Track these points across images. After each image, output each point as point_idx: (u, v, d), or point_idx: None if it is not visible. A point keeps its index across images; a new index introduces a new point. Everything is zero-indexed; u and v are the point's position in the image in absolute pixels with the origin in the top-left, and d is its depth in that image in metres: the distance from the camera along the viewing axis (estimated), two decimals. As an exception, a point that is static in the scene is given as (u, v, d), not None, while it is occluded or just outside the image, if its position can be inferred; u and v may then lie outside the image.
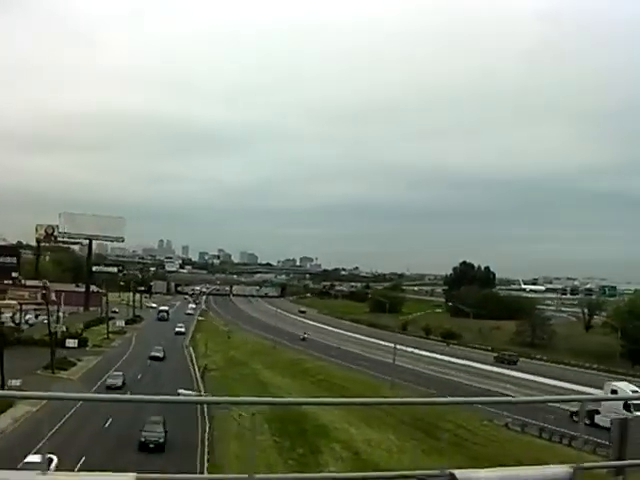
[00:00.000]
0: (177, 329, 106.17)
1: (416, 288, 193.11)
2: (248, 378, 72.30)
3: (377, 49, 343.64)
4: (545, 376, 74.39)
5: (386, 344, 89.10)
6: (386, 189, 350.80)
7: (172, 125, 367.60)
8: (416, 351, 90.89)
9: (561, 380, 70.61)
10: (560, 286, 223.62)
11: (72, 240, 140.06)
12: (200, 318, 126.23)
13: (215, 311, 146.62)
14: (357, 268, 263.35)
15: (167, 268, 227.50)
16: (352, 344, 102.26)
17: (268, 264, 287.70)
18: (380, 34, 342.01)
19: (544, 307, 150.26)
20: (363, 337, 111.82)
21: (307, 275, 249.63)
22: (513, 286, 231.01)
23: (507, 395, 58.81)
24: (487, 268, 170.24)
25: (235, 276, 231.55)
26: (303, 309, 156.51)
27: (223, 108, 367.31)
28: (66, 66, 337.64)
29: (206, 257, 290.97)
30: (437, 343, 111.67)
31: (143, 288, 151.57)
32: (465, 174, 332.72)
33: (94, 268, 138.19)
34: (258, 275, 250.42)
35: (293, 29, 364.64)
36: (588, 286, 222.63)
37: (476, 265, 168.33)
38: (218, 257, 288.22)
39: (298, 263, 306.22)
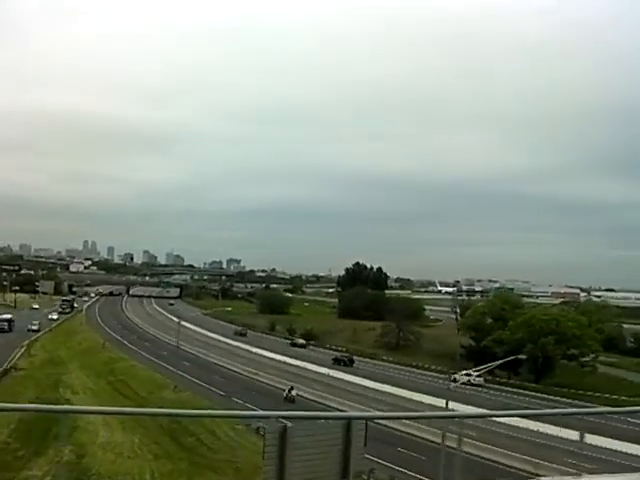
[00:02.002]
0: (30, 327, 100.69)
1: (313, 290, 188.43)
2: (49, 377, 69.58)
3: (306, 50, 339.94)
4: (366, 378, 73.82)
5: (237, 344, 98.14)
6: (311, 191, 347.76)
7: (96, 125, 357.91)
8: (259, 352, 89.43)
9: (372, 380, 71.69)
10: (479, 288, 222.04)
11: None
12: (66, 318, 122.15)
13: (92, 312, 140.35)
14: (274, 270, 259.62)
15: (71, 269, 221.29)
16: (201, 344, 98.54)
17: (190, 266, 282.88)
18: (310, 35, 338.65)
19: (440, 308, 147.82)
20: (220, 337, 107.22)
21: (223, 277, 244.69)
22: (429, 288, 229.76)
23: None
24: (379, 269, 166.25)
25: (147, 277, 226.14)
26: (173, 301, 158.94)
27: (149, 108, 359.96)
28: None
29: (117, 258, 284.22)
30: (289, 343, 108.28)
31: (17, 288, 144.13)
32: (392, 177, 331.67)
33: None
34: (175, 276, 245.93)
35: (218, 30, 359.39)
36: (497, 286, 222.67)
37: (369, 265, 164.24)
38: (131, 258, 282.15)
39: (225, 265, 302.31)
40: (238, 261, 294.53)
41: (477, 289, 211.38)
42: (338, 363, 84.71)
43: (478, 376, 70.71)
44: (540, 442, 50.29)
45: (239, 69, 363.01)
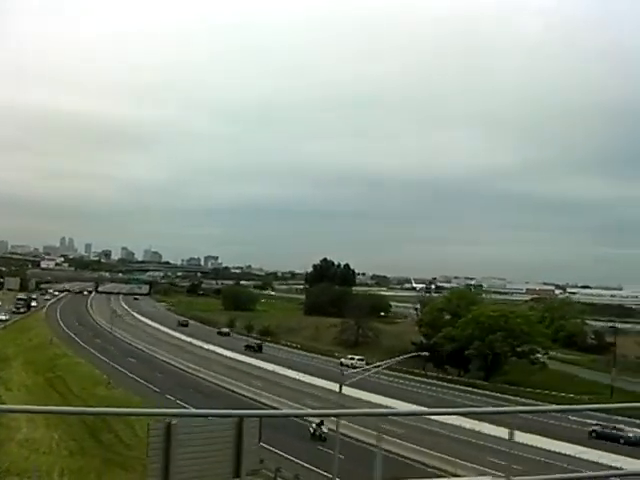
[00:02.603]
0: None
1: (285, 286, 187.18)
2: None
3: (289, 49, 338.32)
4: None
5: (176, 334, 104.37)
6: (291, 189, 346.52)
7: (76, 122, 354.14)
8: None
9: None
10: (449, 285, 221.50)
11: None
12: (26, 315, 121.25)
13: (54, 309, 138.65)
14: (249, 266, 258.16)
15: (42, 265, 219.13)
16: (151, 338, 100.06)
17: (167, 262, 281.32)
18: (293, 34, 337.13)
19: (410, 305, 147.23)
20: (175, 333, 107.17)
21: (198, 273, 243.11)
22: (405, 285, 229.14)
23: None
24: (347, 266, 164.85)
25: (120, 274, 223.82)
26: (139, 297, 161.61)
27: (129, 106, 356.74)
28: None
29: (95, 255, 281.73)
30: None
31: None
32: (373, 176, 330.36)
33: None
34: (149, 273, 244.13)
35: (200, 30, 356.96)
36: (473, 283, 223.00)
37: (337, 262, 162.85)
38: (107, 255, 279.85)
39: (202, 262, 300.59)
40: (216, 258, 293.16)
41: (446, 286, 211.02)
42: (249, 349, 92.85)
43: (360, 360, 79.17)
44: (469, 440, 49.74)
45: (220, 68, 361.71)
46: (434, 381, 78.70)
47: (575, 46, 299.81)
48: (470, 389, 74.56)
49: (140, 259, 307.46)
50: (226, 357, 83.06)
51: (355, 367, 68.28)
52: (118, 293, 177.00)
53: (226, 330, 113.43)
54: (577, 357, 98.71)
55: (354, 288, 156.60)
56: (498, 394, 72.26)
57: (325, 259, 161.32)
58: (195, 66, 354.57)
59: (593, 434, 53.51)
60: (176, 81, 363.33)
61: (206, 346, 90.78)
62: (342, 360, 79.85)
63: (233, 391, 63.94)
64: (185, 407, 49.55)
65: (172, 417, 11.23)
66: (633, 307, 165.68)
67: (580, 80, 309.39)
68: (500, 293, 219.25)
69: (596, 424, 54.12)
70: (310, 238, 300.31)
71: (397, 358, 54.28)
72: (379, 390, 63.67)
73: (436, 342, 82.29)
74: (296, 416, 40.88)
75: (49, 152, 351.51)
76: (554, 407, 49.21)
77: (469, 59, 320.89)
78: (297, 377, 69.79)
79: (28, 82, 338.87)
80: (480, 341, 75.74)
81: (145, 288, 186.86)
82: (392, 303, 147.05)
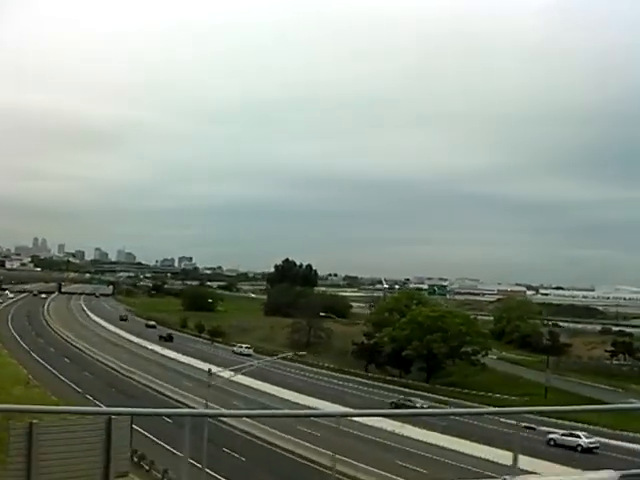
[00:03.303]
0: None
1: (250, 287, 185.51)
2: None
3: (259, 51, 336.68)
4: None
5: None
6: (264, 190, 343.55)
7: (49, 122, 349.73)
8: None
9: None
10: (424, 286, 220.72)
11: None
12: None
13: (7, 309, 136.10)
14: (220, 267, 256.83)
15: (6, 266, 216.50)
16: (96, 340, 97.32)
17: (139, 263, 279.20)
18: (263, 35, 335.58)
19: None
20: (124, 334, 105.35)
21: (169, 274, 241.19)
22: (377, 286, 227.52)
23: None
24: (309, 266, 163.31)
25: (87, 275, 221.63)
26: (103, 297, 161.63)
27: (101, 105, 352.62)
28: None
29: (68, 255, 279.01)
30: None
31: None
32: (346, 177, 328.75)
33: None
34: (120, 274, 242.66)
35: (169, 30, 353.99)
36: (446, 284, 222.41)
37: (298, 262, 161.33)
38: (74, 255, 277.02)
39: (176, 263, 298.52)
40: (190, 259, 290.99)
41: (420, 287, 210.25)
42: (162, 339, 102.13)
43: (247, 347, 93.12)
44: (385, 443, 48.27)
45: (191, 69, 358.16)
46: (370, 381, 77.25)
47: (550, 48, 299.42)
48: (406, 390, 73.09)
49: (114, 260, 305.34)
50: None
51: (243, 354, 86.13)
52: (81, 293, 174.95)
53: (152, 323, 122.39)
54: (527, 358, 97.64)
55: (317, 288, 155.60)
56: (432, 395, 71.12)
57: (287, 259, 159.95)
58: (169, 66, 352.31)
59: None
60: (149, 81, 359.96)
61: (135, 340, 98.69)
62: (234, 349, 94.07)
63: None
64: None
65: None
66: (598, 308, 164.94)
67: (552, 83, 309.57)
68: (472, 294, 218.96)
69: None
70: (283, 239, 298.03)
71: (286, 354, 54.92)
72: (286, 384, 68.15)
73: (377, 342, 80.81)
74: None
75: (22, 152, 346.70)
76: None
77: (449, 60, 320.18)
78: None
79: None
80: (418, 341, 74.29)
81: (109, 289, 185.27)
82: (355, 304, 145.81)
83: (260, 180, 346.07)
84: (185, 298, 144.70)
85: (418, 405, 58.87)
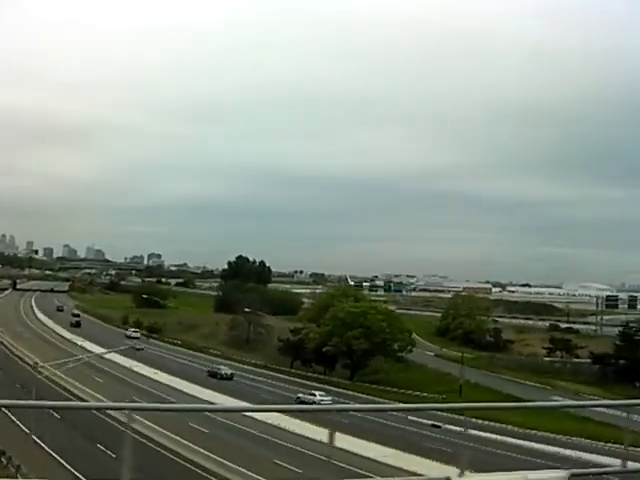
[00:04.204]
0: None
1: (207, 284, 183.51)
2: None
3: (228, 50, 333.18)
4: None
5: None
6: (232, 188, 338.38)
7: (14, 118, 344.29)
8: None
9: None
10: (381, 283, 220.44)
11: None
12: None
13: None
14: (185, 264, 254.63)
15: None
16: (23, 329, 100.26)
17: (106, 260, 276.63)
18: (233, 34, 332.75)
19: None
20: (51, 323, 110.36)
21: (133, 271, 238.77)
22: (342, 283, 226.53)
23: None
24: (262, 262, 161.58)
25: (48, 272, 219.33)
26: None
27: (69, 101, 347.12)
28: None
29: (25, 252, 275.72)
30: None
31: None
32: (313, 175, 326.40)
33: None
34: (85, 271, 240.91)
35: (136, 29, 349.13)
36: (413, 281, 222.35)
37: (252, 259, 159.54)
38: (36, 252, 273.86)
39: (146, 260, 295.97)
40: (159, 256, 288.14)
41: (365, 283, 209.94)
42: (72, 325, 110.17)
43: (134, 331, 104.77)
44: (269, 439, 46.83)
45: (160, 67, 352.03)
46: (291, 378, 76.05)
47: (516, 48, 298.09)
48: (325, 387, 71.77)
49: (83, 257, 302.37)
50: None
51: (131, 337, 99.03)
52: (36, 290, 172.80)
53: (77, 312, 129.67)
54: (465, 355, 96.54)
55: (275, 285, 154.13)
56: (350, 392, 69.98)
57: (240, 256, 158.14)
58: (137, 64, 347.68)
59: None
60: (116, 78, 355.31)
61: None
62: (126, 333, 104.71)
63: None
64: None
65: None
66: (555, 305, 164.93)
67: (523, 81, 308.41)
68: (438, 291, 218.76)
69: None
70: (249, 237, 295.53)
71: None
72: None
73: (301, 339, 79.37)
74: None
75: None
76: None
77: (420, 62, 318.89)
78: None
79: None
80: (339, 338, 72.89)
81: (64, 285, 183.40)
82: (308, 301, 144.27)
83: (230, 178, 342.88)
84: (137, 295, 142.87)
85: (317, 399, 60.71)
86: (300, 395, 63.25)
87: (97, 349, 79.53)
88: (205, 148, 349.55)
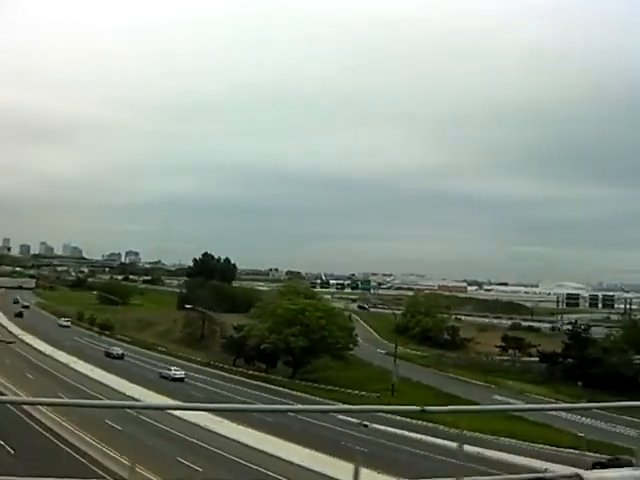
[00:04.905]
0: None
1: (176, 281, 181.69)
2: None
3: (212, 49, 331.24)
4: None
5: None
6: (214, 186, 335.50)
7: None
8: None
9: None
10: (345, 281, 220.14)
11: None
12: None
13: None
14: (159, 262, 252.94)
15: None
16: None
17: (82, 258, 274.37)
18: (218, 33, 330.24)
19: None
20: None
21: (107, 269, 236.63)
22: (317, 281, 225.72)
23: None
24: (227, 260, 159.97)
25: (18, 269, 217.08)
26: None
27: (51, 98, 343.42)
28: None
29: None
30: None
31: None
32: (298, 173, 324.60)
33: None
34: (60, 268, 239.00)
35: (124, 26, 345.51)
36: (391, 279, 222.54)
37: (216, 256, 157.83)
38: (9, 249, 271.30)
39: (123, 257, 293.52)
40: (136, 253, 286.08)
41: (338, 281, 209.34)
42: (16, 315, 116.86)
43: (66, 320, 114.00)
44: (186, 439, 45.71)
45: (146, 65, 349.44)
46: (231, 375, 75.04)
47: (516, 48, 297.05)
48: (264, 384, 70.81)
49: (60, 254, 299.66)
50: None
51: (63, 325, 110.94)
52: (1, 287, 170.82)
53: (26, 304, 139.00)
54: (416, 353, 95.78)
55: (240, 282, 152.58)
56: (287, 390, 68.83)
57: (206, 253, 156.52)
58: (119, 61, 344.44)
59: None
60: (99, 76, 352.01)
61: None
62: (58, 322, 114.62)
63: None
64: None
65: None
66: (522, 303, 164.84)
67: (504, 80, 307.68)
68: (413, 289, 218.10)
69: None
70: (224, 235, 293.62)
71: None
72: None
73: (244, 336, 78.19)
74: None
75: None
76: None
77: (420, 61, 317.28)
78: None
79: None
80: (277, 335, 71.71)
81: (30, 282, 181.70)
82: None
83: (207, 177, 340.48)
84: (100, 292, 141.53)
85: (172, 373, 72.11)
86: (160, 371, 73.66)
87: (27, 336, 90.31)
88: (192, 146, 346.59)
